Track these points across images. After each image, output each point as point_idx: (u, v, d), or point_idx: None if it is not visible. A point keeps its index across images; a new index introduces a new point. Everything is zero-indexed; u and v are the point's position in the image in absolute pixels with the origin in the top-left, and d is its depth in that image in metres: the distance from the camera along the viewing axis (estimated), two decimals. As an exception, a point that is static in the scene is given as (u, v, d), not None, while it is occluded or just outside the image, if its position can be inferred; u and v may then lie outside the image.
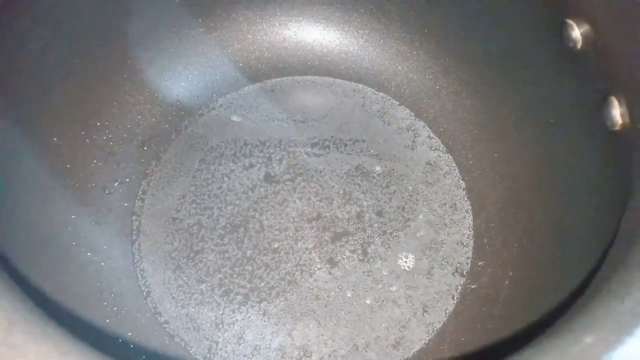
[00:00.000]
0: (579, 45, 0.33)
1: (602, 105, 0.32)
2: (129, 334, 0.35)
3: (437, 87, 0.47)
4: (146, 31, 0.43)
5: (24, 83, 0.34)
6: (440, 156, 0.45)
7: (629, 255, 0.21)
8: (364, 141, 0.45)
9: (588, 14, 0.32)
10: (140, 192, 0.42)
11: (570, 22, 0.33)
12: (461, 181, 0.44)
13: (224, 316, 0.38)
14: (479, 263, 0.41)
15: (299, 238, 0.41)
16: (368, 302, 0.39)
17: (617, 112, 0.31)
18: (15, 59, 0.33)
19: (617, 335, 0.17)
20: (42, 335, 0.15)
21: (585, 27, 0.32)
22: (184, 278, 0.39)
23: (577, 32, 0.33)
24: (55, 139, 0.37)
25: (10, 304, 0.17)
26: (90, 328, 0.33)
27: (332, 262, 0.40)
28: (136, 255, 0.39)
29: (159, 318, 0.38)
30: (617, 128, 0.31)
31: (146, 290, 0.38)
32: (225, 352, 0.37)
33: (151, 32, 0.43)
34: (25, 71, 0.35)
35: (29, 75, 0.35)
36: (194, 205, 0.42)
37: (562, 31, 0.34)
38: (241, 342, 0.37)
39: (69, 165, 0.38)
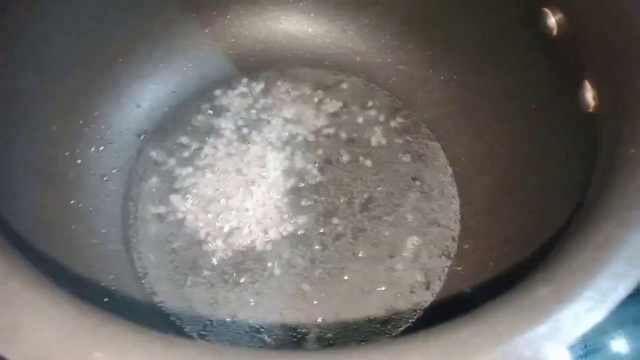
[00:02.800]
0: (554, 32, 0.35)
1: (577, 89, 0.33)
2: (127, 312, 0.36)
3: (425, 78, 0.48)
4: (143, 25, 0.44)
5: (26, 73, 0.36)
6: (428, 144, 0.47)
7: (588, 221, 0.22)
8: (354, 130, 0.47)
9: (561, 3, 0.33)
10: (137, 179, 0.43)
11: (546, 10, 0.35)
12: (448, 167, 0.46)
13: (218, 296, 0.39)
14: (465, 246, 0.43)
15: (291, 222, 0.43)
16: (357, 283, 0.41)
17: (590, 95, 0.32)
18: (18, 51, 0.35)
19: (568, 287, 0.19)
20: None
21: (559, 15, 0.34)
22: (179, 260, 0.40)
23: (552, 20, 0.35)
24: (55, 128, 0.39)
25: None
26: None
27: (323, 245, 0.42)
28: (133, 239, 0.41)
29: (155, 298, 0.39)
30: (591, 110, 0.32)
31: (142, 272, 0.40)
32: (219, 330, 0.38)
33: (147, 26, 0.45)
34: (27, 62, 0.36)
35: (31, 66, 0.36)
36: (189, 191, 0.43)
37: (539, 19, 0.35)
38: (235, 320, 0.39)
39: (67, 153, 0.40)
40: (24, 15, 0.35)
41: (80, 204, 0.39)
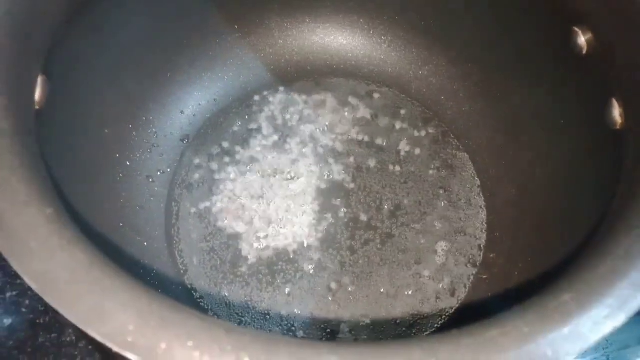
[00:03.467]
0: (584, 51, 0.36)
1: (605, 106, 0.34)
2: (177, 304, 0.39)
3: (455, 91, 0.50)
4: (188, 36, 0.47)
5: (82, 81, 0.39)
6: (457, 155, 0.48)
7: (610, 233, 0.24)
8: (385, 139, 0.49)
9: (591, 23, 0.35)
10: (179, 181, 0.46)
11: (577, 29, 0.36)
12: (476, 179, 0.47)
13: (252, 294, 0.42)
14: (491, 255, 0.44)
15: (322, 227, 0.45)
16: (384, 288, 0.43)
17: (617, 113, 0.33)
18: (75, 62, 0.38)
19: (589, 294, 0.20)
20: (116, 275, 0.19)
21: (589, 35, 0.35)
22: (217, 259, 0.43)
23: (582, 39, 0.36)
24: (106, 131, 0.42)
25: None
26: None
27: (352, 250, 0.44)
28: (175, 238, 0.44)
29: (194, 294, 0.42)
30: (618, 127, 0.33)
31: (183, 269, 0.42)
32: (253, 326, 0.41)
33: (192, 37, 0.47)
34: (83, 71, 0.39)
35: (86, 74, 0.39)
36: (227, 194, 0.46)
37: (569, 38, 0.37)
38: (268, 318, 0.41)
39: (118, 155, 0.43)
40: (81, 28, 0.37)
41: (128, 204, 0.42)
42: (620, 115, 0.33)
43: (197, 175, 0.46)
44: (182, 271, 0.42)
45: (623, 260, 0.22)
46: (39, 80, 0.31)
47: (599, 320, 0.20)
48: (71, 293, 0.18)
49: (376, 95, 0.51)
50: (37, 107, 0.31)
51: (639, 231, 0.22)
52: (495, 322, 0.20)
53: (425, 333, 0.42)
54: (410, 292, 0.43)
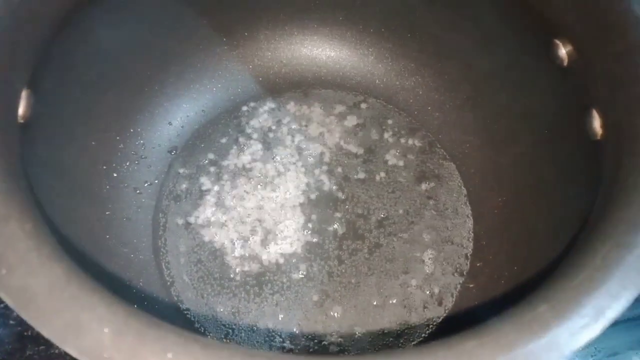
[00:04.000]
0: (565, 63, 0.36)
1: (586, 117, 0.35)
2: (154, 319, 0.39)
3: (442, 101, 0.51)
4: (176, 48, 0.47)
5: (69, 94, 0.39)
6: (443, 164, 0.49)
7: (587, 243, 0.24)
8: (372, 149, 0.49)
9: (571, 36, 0.35)
10: (167, 192, 0.46)
11: (557, 42, 0.37)
12: (463, 188, 0.48)
13: (240, 306, 0.42)
14: (477, 264, 0.44)
15: (310, 237, 0.45)
16: (372, 297, 0.43)
17: (597, 124, 0.34)
18: (61, 75, 0.38)
19: (565, 305, 0.20)
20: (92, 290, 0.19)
21: (569, 47, 0.36)
22: (204, 270, 0.43)
23: (563, 51, 0.36)
24: (93, 143, 0.42)
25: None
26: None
27: (339, 260, 0.44)
28: (162, 249, 0.43)
29: (181, 306, 0.41)
30: (598, 138, 0.34)
31: (170, 280, 0.42)
32: (240, 338, 0.41)
33: (181, 49, 0.48)
34: (69, 84, 0.39)
35: (72, 87, 0.39)
36: (214, 205, 0.46)
37: (551, 50, 0.37)
38: (255, 329, 0.41)
39: (104, 167, 0.43)
40: (68, 42, 0.37)
41: (115, 215, 0.42)
42: (601, 126, 0.33)
43: (184, 187, 0.46)
44: (168, 283, 0.42)
45: (599, 270, 0.22)
46: (24, 94, 0.31)
47: (576, 330, 0.20)
48: (47, 309, 0.18)
49: (363, 106, 0.51)
50: (21, 121, 0.31)
51: (615, 241, 0.23)
52: (474, 333, 0.20)
53: (412, 343, 0.42)
54: (397, 302, 0.43)
